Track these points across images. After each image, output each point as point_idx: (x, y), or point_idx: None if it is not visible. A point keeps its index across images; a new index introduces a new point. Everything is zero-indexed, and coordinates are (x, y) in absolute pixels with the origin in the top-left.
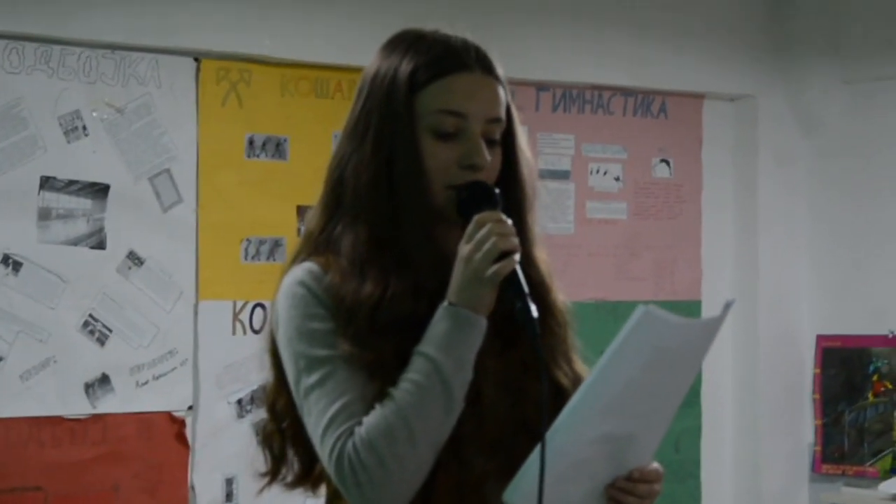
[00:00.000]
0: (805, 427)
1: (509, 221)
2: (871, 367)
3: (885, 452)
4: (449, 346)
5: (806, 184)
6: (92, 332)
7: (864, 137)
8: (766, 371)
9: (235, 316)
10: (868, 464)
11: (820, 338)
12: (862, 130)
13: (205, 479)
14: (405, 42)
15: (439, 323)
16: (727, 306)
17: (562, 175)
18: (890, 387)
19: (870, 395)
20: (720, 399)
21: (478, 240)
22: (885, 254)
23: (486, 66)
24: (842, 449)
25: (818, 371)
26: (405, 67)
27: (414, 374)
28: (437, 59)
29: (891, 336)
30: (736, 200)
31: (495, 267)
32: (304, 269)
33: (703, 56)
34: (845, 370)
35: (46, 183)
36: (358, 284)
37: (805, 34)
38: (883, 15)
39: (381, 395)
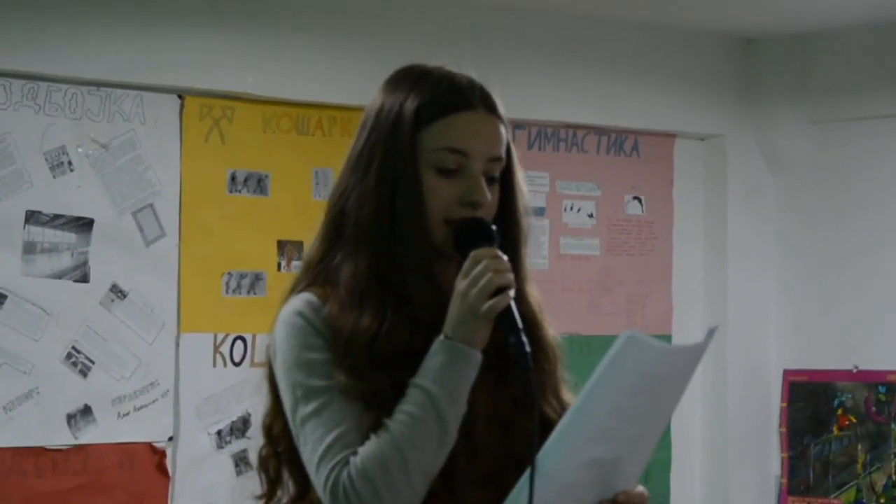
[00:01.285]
0: (772, 459)
1: (505, 258)
2: (836, 402)
3: (849, 485)
4: (444, 378)
5: (774, 221)
6: (75, 364)
7: (831, 176)
8: (734, 404)
9: (216, 348)
10: (833, 496)
11: (787, 372)
12: (828, 169)
13: None
14: (411, 78)
15: (435, 356)
16: (711, 333)
17: (537, 212)
18: (854, 420)
19: (835, 429)
20: (689, 431)
21: (474, 275)
22: (850, 290)
23: (489, 106)
24: (807, 481)
25: (785, 405)
26: (410, 104)
27: (409, 405)
28: (443, 96)
29: (855, 371)
30: (706, 237)
31: (491, 302)
32: (303, 300)
33: (674, 96)
34: (811, 404)
35: (32, 217)
36: (356, 316)
37: (773, 76)
38: (848, 58)
39: (376, 426)
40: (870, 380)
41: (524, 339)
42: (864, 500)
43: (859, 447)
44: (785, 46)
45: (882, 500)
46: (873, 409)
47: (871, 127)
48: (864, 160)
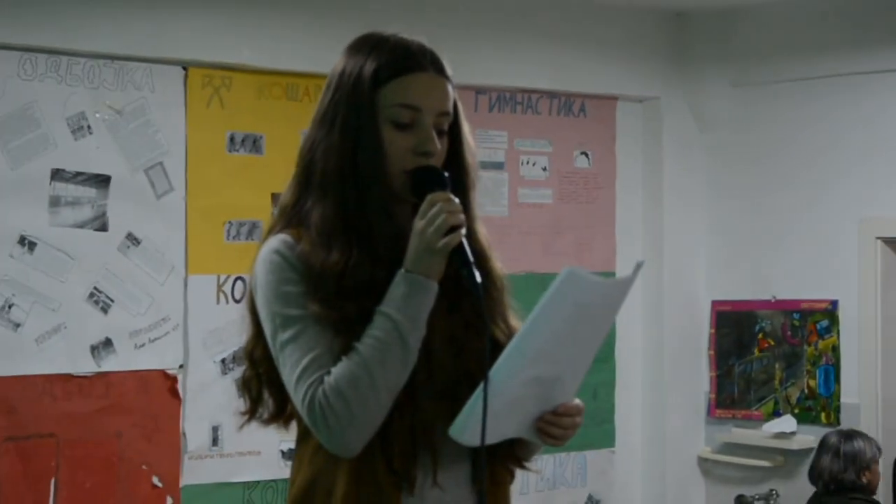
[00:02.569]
0: (702, 378)
1: (457, 200)
2: (757, 327)
3: (767, 398)
4: (406, 306)
5: (702, 171)
6: (97, 303)
7: (751, 132)
8: (670, 331)
9: (219, 288)
10: (754, 408)
11: (714, 302)
12: (748, 126)
13: (194, 427)
14: (369, 44)
15: (397, 287)
16: (638, 267)
17: (497, 166)
18: (772, 343)
19: (756, 351)
20: (631, 355)
21: (430, 216)
22: (768, 231)
23: (438, 68)
24: (732, 396)
25: (713, 331)
26: (369, 66)
27: (376, 330)
28: (398, 59)
29: (773, 300)
30: (644, 186)
31: (445, 239)
32: (279, 240)
33: (615, 64)
34: (735, 330)
35: (56, 174)
36: (325, 253)
37: (700, 45)
38: (765, 29)
39: (346, 349)
40: (786, 308)
41: (475, 271)
42: (781, 411)
43: (777, 366)
44: (710, 19)
45: (796, 411)
46: (789, 333)
47: (784, 89)
48: (778, 118)
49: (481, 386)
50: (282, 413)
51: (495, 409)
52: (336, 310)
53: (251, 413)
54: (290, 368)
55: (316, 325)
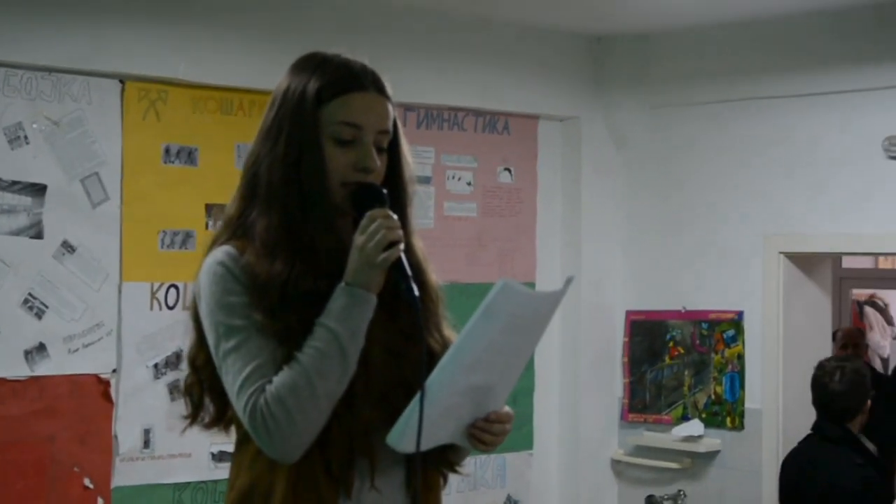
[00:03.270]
0: (616, 384)
1: (395, 217)
2: (668, 336)
3: (677, 404)
4: (346, 318)
5: (618, 188)
6: (31, 308)
7: (663, 151)
8: (586, 339)
9: (153, 295)
10: (664, 413)
11: (628, 312)
12: (661, 146)
13: (126, 429)
14: (313, 63)
15: (338, 299)
16: (568, 281)
17: (424, 180)
18: (682, 351)
19: (666, 359)
20: (549, 362)
21: (370, 232)
22: (680, 246)
23: (379, 87)
24: (644, 401)
25: (626, 339)
26: (313, 84)
27: (316, 341)
28: (340, 79)
29: (683, 311)
30: (563, 202)
31: (384, 255)
32: (224, 251)
33: (537, 85)
34: (648, 338)
35: None
36: (269, 264)
37: (617, 69)
38: (678, 55)
39: (288, 359)
40: (695, 318)
41: (413, 284)
42: (689, 416)
43: (686, 373)
44: (628, 44)
45: (703, 416)
46: (697, 342)
47: (696, 112)
48: (691, 139)
49: (418, 395)
50: (222, 418)
51: (431, 417)
52: (279, 320)
53: (193, 417)
54: (233, 377)
55: (258, 334)
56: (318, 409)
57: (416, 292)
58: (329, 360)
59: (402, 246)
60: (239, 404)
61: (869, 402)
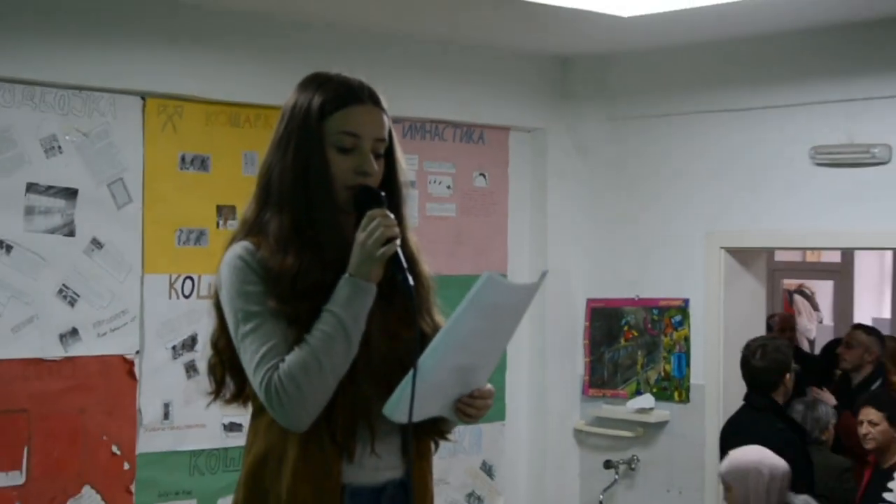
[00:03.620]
0: (577, 363)
1: (392, 215)
2: (623, 321)
3: (631, 380)
4: (349, 306)
5: (580, 192)
6: (65, 297)
7: (621, 159)
8: (551, 323)
9: (171, 285)
10: (620, 388)
11: (589, 300)
12: (619, 154)
13: (148, 403)
14: (317, 81)
15: (342, 289)
16: (543, 275)
17: (409, 184)
18: (636, 335)
19: (622, 341)
20: (519, 343)
21: (369, 230)
22: (634, 241)
23: (375, 101)
24: (602, 378)
25: (587, 324)
26: (317, 100)
27: (323, 325)
28: (341, 94)
29: (637, 299)
30: (531, 203)
31: (383, 249)
32: (242, 247)
33: (508, 100)
34: (606, 323)
35: (31, 188)
36: (282, 258)
37: (580, 86)
38: (636, 72)
39: (298, 340)
40: (646, 305)
41: (409, 276)
42: (642, 391)
43: (639, 353)
44: (589, 63)
45: (654, 390)
46: (649, 325)
47: (649, 123)
48: (644, 147)
49: (411, 372)
50: (241, 394)
51: (422, 392)
52: (290, 306)
53: (216, 394)
54: (250, 356)
55: (273, 319)
56: (324, 385)
57: (412, 282)
58: (334, 342)
59: (398, 242)
60: (255, 380)
61: (789, 375)
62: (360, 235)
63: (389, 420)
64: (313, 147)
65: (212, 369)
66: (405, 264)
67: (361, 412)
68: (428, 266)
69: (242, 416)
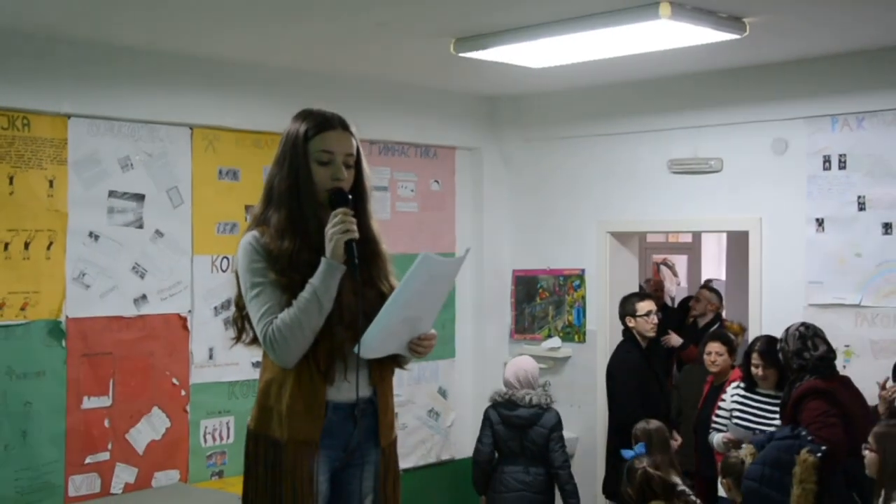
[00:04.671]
0: (506, 315)
1: (352, 212)
2: (538, 285)
3: (544, 327)
4: (323, 280)
5: (506, 193)
6: (137, 272)
7: (535, 169)
8: (487, 287)
9: (213, 263)
10: (536, 333)
11: (514, 271)
12: (533, 166)
13: (197, 348)
14: (303, 115)
15: (321, 267)
16: (467, 251)
17: (383, 188)
18: (548, 295)
19: (538, 299)
20: (464, 302)
21: (333, 223)
22: (545, 228)
23: (344, 126)
24: (524, 326)
25: (513, 287)
26: (303, 128)
27: (305, 293)
28: (319, 123)
29: (548, 269)
30: (472, 202)
31: (343, 238)
32: (251, 235)
33: (454, 127)
34: (526, 287)
35: (112, 193)
36: (280, 243)
37: (504, 116)
38: (543, 107)
39: (288, 303)
40: (555, 273)
41: (356, 258)
42: (552, 335)
43: (550, 308)
44: (510, 102)
45: (561, 334)
46: (557, 288)
47: (555, 144)
48: (551, 161)
49: (375, 320)
50: (256, 339)
51: (380, 336)
52: (286, 277)
53: (237, 339)
54: (254, 313)
55: (271, 287)
56: (303, 335)
57: (356, 262)
58: (311, 305)
59: (355, 232)
60: (257, 330)
61: (636, 308)
62: (329, 229)
63: (357, 356)
64: (301, 162)
65: (234, 322)
66: (355, 251)
67: (337, 351)
68: (386, 246)
69: None
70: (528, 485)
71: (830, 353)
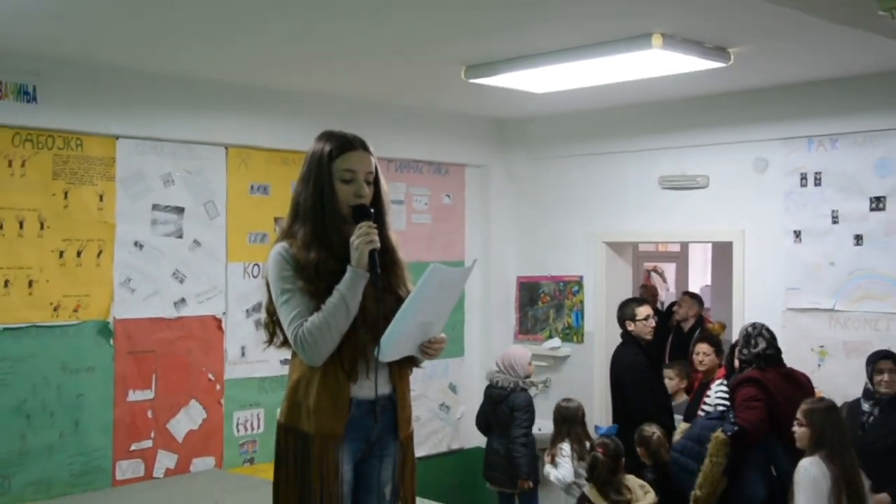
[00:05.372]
0: (511, 318)
1: (375, 226)
2: (541, 290)
3: (545, 329)
4: (350, 286)
5: (512, 206)
6: (177, 277)
7: (538, 185)
8: (494, 292)
9: (245, 270)
10: (538, 334)
11: (518, 277)
12: (536, 181)
13: (231, 346)
14: (326, 136)
15: (347, 274)
16: (474, 262)
17: (399, 202)
18: (549, 299)
19: (540, 303)
20: (473, 305)
21: (358, 235)
22: (547, 238)
23: (364, 147)
24: (527, 328)
25: (517, 292)
26: (326, 148)
27: (333, 299)
28: (342, 144)
29: (550, 276)
30: (480, 215)
31: (367, 248)
32: (281, 246)
33: (465, 146)
34: (529, 292)
35: (155, 206)
36: (307, 253)
37: (511, 136)
38: (546, 129)
39: (317, 308)
40: (556, 279)
41: (378, 268)
42: (553, 336)
43: (550, 311)
44: (516, 124)
45: (561, 335)
46: (557, 293)
47: (556, 161)
48: (553, 177)
49: (390, 325)
50: (286, 341)
51: (397, 340)
52: (313, 285)
53: (269, 342)
54: (285, 318)
55: (299, 293)
56: (331, 337)
57: (379, 271)
58: (338, 310)
59: (378, 245)
60: (288, 333)
61: (635, 313)
62: (354, 240)
63: (377, 358)
64: (325, 180)
65: (266, 326)
66: (377, 260)
67: (360, 351)
68: (403, 255)
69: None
70: (497, 452)
71: (769, 350)
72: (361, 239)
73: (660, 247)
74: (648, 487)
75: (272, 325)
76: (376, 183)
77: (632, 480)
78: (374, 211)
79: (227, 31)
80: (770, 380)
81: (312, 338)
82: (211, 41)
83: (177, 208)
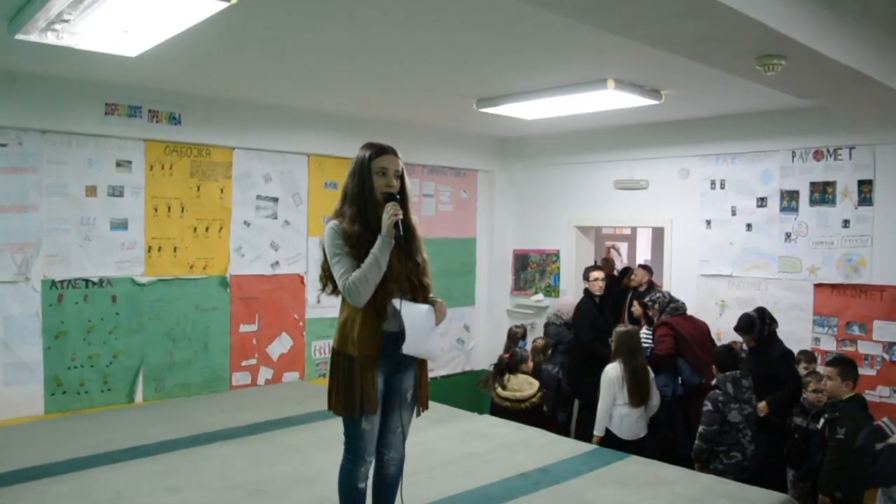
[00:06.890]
0: (508, 279)
1: (399, 206)
2: (530, 259)
3: (532, 286)
4: (381, 250)
5: (511, 201)
6: (273, 247)
7: (531, 185)
8: (496, 260)
9: (320, 242)
10: (528, 290)
11: (514, 250)
12: (530, 182)
13: (310, 295)
14: (368, 145)
15: (378, 241)
16: (433, 304)
17: (430, 195)
18: (535, 266)
19: (530, 268)
20: (481, 270)
21: (387, 210)
22: (536, 223)
23: (394, 152)
24: (519, 286)
25: (513, 261)
26: (367, 153)
27: (369, 259)
28: (378, 151)
29: (536, 249)
30: (488, 207)
31: (394, 219)
32: (334, 222)
33: (477, 157)
34: (522, 261)
35: (258, 196)
36: (352, 228)
37: (511, 149)
38: (538, 143)
39: (358, 267)
40: (540, 252)
41: (401, 231)
42: (538, 292)
43: (536, 275)
44: (514, 140)
45: (543, 292)
46: (542, 261)
47: (544, 168)
48: (543, 179)
49: (406, 328)
50: (336, 290)
51: (415, 335)
52: (356, 250)
53: (323, 290)
54: (336, 272)
55: (346, 256)
56: (368, 287)
57: (401, 233)
58: (373, 267)
59: (400, 216)
60: (339, 283)
61: (589, 276)
62: (384, 215)
63: (404, 299)
64: (366, 175)
65: (321, 279)
66: (401, 230)
67: (389, 296)
68: (420, 230)
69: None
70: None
71: (674, 302)
72: (389, 213)
73: (616, 230)
74: (533, 381)
75: (325, 279)
76: (402, 179)
77: (521, 378)
78: (399, 197)
79: (309, 74)
80: (678, 324)
81: (355, 287)
82: (299, 82)
83: (273, 198)
